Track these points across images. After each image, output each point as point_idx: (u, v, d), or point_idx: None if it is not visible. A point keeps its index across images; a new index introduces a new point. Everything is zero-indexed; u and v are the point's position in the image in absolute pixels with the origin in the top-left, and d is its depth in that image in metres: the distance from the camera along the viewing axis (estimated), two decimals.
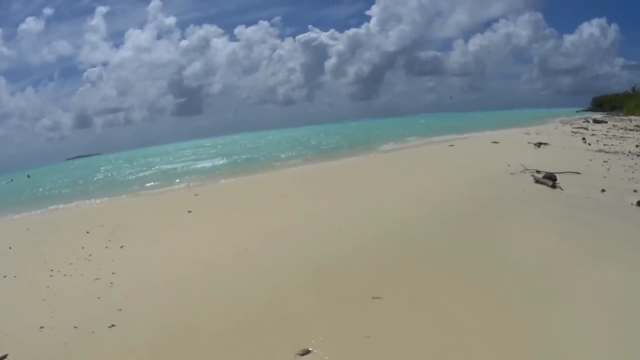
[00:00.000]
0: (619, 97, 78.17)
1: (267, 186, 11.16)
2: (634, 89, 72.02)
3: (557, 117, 49.57)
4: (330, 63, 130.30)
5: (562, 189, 7.01)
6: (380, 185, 8.98)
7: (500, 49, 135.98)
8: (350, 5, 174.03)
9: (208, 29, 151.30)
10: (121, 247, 6.17)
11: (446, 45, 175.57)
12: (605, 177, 7.93)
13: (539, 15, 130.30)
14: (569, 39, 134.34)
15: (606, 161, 9.86)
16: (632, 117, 37.80)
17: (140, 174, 20.70)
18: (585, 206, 5.94)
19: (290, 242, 5.51)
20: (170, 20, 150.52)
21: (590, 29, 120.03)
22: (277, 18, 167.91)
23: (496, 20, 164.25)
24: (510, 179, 8.09)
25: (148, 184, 15.96)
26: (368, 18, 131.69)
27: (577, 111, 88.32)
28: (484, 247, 4.64)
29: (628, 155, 10.88)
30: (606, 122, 29.55)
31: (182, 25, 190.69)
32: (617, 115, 45.69)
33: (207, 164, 21.80)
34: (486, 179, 8.19)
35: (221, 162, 21.47)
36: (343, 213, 6.76)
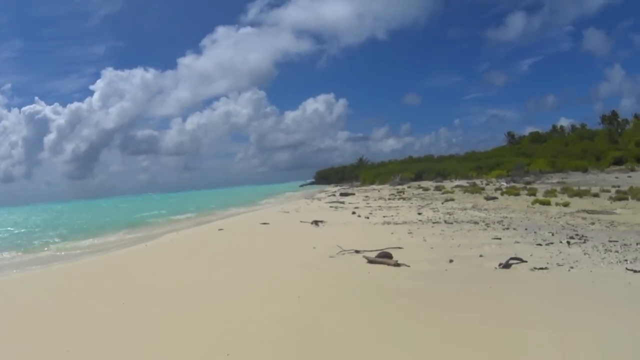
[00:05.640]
0: (347, 168, 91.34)
1: None
2: (361, 159, 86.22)
3: (286, 193, 52.41)
4: (49, 138, 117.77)
5: (408, 266, 5.83)
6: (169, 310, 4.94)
7: (217, 128, 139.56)
8: (78, 79, 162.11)
9: None
10: None
11: (164, 123, 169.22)
12: (432, 247, 7.50)
13: (262, 94, 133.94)
14: (290, 115, 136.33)
15: (411, 232, 9.70)
16: (374, 187, 44.17)
17: None
18: (460, 280, 5.47)
19: None
20: None
21: (316, 104, 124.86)
22: (8, 86, 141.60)
23: (217, 98, 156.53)
24: (337, 264, 6.82)
25: None
26: (92, 93, 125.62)
27: (301, 185, 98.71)
28: None
29: (423, 223, 11.20)
30: (354, 194, 31.33)
31: None
32: (354, 186, 50.88)
33: None
34: (311, 265, 6.60)
35: None
36: None
